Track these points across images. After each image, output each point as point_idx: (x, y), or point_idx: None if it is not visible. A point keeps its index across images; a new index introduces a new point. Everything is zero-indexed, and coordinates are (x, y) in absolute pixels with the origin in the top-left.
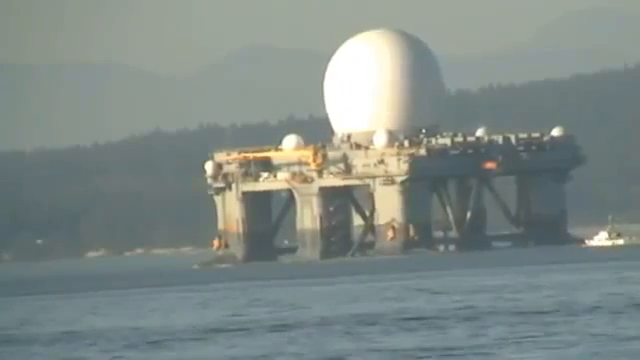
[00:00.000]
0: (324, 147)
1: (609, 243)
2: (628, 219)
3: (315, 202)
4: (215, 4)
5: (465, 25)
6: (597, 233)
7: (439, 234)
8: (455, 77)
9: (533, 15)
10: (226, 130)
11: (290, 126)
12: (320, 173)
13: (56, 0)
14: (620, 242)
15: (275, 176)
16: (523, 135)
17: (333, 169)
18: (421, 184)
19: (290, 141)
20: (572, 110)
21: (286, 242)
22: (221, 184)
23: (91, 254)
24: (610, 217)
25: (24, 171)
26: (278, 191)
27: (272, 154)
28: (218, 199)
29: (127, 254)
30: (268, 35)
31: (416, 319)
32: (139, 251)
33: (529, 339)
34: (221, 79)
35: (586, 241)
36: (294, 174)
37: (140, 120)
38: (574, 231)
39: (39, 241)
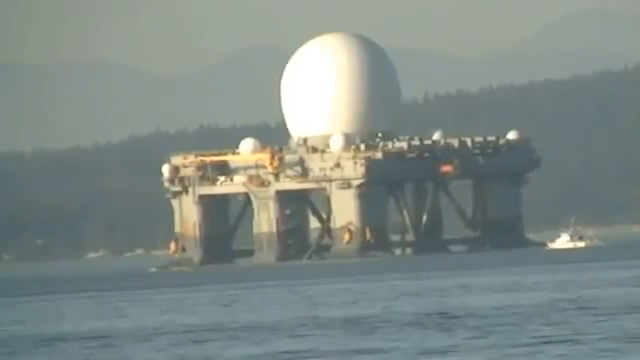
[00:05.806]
0: (281, 150)
1: (570, 245)
2: (630, 219)
3: (272, 205)
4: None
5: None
6: (559, 236)
7: (396, 237)
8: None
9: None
10: (186, 133)
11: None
12: (277, 176)
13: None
14: (582, 245)
15: (232, 179)
16: (479, 138)
17: (290, 172)
18: (377, 187)
19: (247, 144)
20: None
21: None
22: (178, 187)
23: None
24: (573, 219)
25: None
26: (235, 194)
27: (229, 157)
28: (175, 202)
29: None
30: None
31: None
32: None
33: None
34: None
35: (548, 244)
36: (251, 177)
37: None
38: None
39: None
